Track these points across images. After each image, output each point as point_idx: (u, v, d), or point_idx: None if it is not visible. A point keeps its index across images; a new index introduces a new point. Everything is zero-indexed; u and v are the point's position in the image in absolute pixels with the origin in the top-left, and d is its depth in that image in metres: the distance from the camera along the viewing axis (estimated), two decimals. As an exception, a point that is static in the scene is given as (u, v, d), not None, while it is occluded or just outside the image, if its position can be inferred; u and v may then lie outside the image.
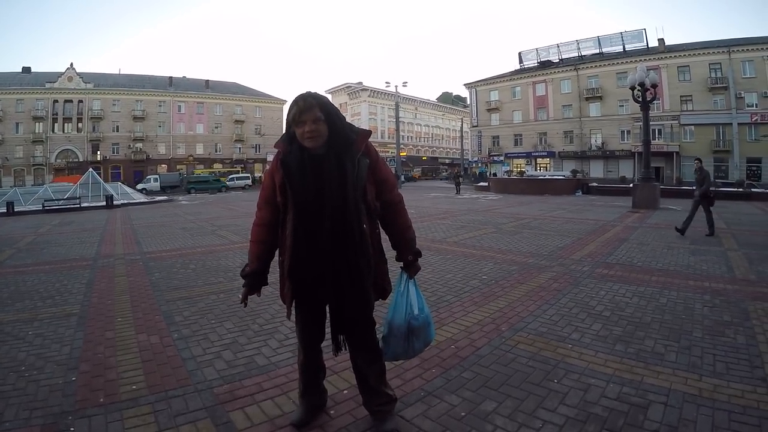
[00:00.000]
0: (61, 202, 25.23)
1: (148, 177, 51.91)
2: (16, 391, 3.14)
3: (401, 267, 2.49)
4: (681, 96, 45.18)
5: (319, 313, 2.45)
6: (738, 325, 4.16)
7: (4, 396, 3.06)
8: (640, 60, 41.66)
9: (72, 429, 2.64)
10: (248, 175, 57.69)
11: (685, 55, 45.32)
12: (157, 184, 49.19)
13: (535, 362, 3.41)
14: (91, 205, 25.60)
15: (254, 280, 2.44)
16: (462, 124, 71.83)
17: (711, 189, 10.26)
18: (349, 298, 2.30)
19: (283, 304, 2.42)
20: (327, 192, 2.22)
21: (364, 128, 2.39)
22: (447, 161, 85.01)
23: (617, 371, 3.22)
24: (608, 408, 2.72)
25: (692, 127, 44.45)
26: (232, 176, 55.13)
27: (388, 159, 51.12)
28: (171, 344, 3.96)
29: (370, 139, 2.36)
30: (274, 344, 3.92)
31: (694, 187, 10.87)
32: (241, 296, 2.46)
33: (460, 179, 33.74)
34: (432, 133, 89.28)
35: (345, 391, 2.99)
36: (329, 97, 2.48)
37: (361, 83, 77.22)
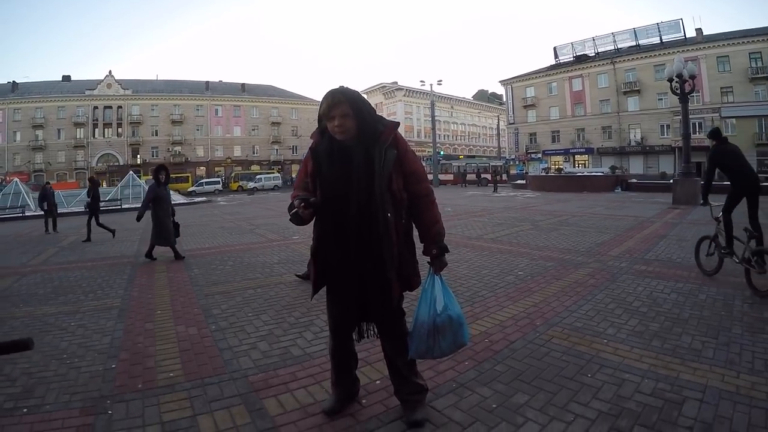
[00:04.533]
0: (102, 203, 25.88)
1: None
2: (57, 376, 3.29)
3: (428, 262, 2.51)
4: (721, 87, 43.69)
5: (347, 300, 2.46)
6: (779, 321, 3.99)
7: (45, 381, 3.21)
8: (678, 51, 40.50)
9: (110, 412, 2.75)
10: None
11: (724, 44, 43.84)
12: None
13: (569, 356, 3.37)
14: (132, 206, 26.27)
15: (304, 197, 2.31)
16: (498, 122, 70.87)
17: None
18: (371, 285, 2.37)
19: (319, 296, 2.51)
20: (354, 180, 2.31)
21: (392, 120, 2.46)
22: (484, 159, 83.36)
23: (653, 367, 3.15)
24: (642, 403, 2.67)
25: (733, 119, 42.94)
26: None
27: (423, 159, 47.24)
28: (208, 335, 4.08)
29: (407, 139, 2.38)
30: (309, 336, 3.98)
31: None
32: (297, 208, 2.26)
33: (498, 177, 33.64)
34: (468, 132, 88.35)
35: (377, 382, 3.02)
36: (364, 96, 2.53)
37: (395, 83, 77.09)
